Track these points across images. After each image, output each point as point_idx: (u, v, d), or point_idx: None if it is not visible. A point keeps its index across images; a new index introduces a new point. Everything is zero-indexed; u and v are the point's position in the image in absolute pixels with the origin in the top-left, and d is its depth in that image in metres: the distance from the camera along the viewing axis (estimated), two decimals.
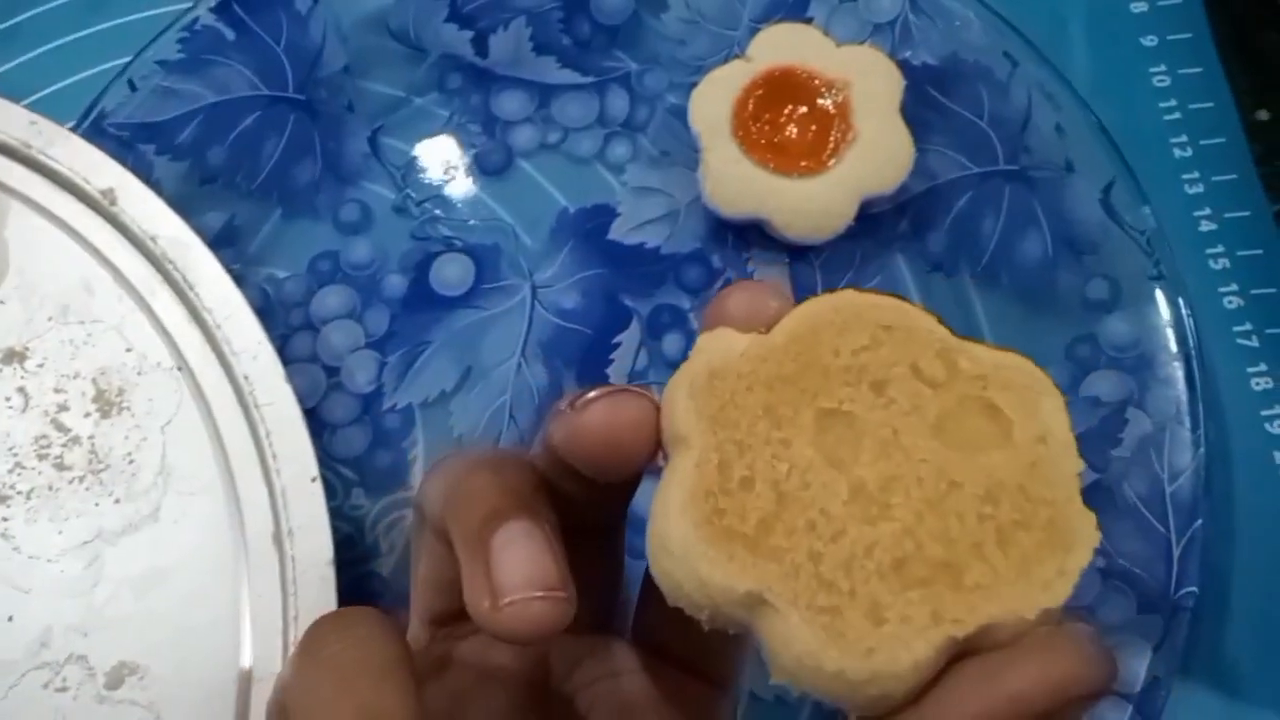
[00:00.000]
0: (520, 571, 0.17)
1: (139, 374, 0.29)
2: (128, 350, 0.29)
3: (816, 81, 0.33)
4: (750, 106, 0.33)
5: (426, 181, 0.35)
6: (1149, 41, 0.37)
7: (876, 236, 0.34)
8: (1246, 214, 0.34)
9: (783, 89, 0.33)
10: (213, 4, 0.35)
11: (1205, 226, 0.34)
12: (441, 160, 0.35)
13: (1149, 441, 0.30)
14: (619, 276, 0.34)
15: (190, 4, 0.35)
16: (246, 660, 0.26)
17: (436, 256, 0.34)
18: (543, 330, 0.33)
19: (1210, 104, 0.36)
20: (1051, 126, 0.33)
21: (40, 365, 0.29)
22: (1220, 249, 0.34)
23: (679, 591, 0.17)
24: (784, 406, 0.17)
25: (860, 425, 0.17)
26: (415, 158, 0.35)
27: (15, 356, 0.29)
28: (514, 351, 0.33)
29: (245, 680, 0.26)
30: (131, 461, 0.28)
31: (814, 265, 0.34)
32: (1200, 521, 0.29)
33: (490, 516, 0.18)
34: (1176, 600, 0.28)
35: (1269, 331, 0.33)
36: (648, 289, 0.34)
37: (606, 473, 0.18)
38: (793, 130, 0.33)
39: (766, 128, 0.33)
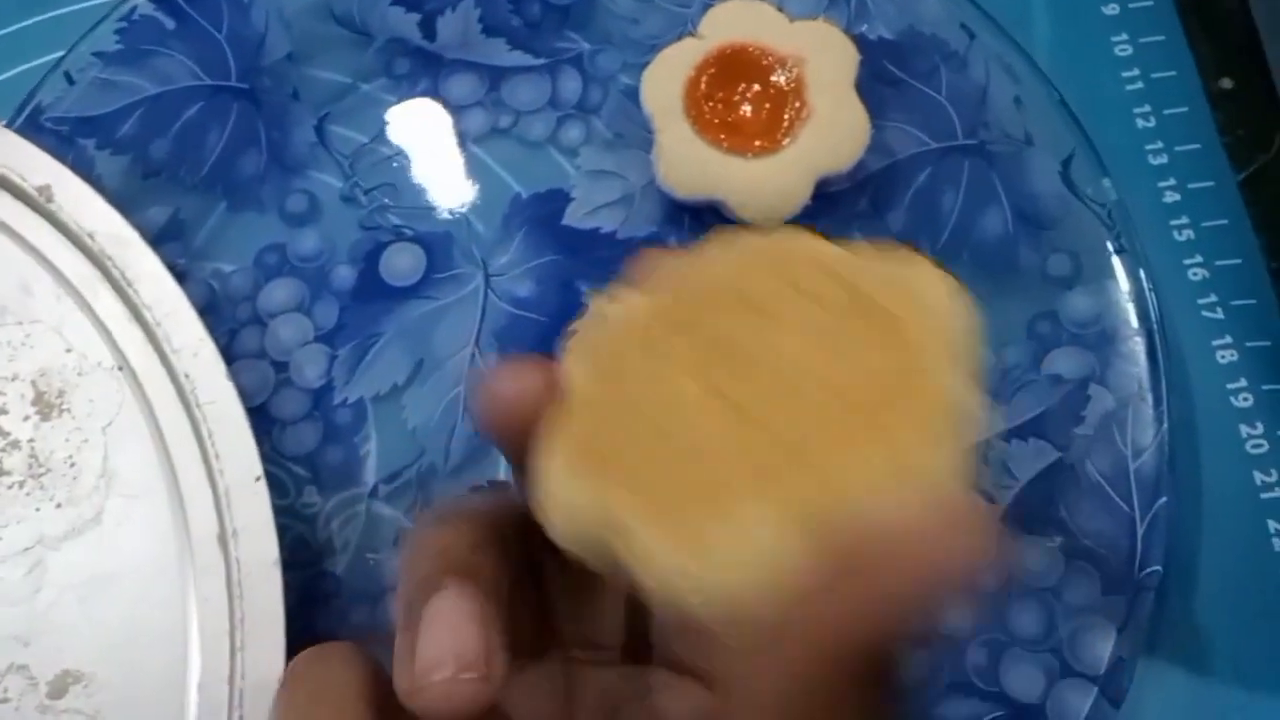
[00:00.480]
0: (439, 648, 0.17)
1: (79, 375, 0.28)
2: (68, 351, 0.28)
3: (770, 59, 0.32)
4: (703, 86, 0.32)
5: (375, 169, 0.34)
6: (1110, 10, 0.36)
7: (835, 215, 0.33)
8: (1211, 184, 0.34)
9: (735, 67, 0.32)
10: None
11: (1169, 198, 0.34)
12: (390, 147, 0.34)
13: (1112, 418, 0.29)
14: (574, 262, 0.33)
15: None
16: (194, 665, 0.26)
17: (386, 246, 0.33)
18: (496, 319, 0.33)
19: (1173, 73, 0.35)
20: (1010, 99, 0.32)
21: None
22: (1184, 220, 0.34)
23: (557, 531, 0.16)
24: (662, 343, 0.17)
25: (744, 350, 0.16)
26: (363, 145, 0.34)
27: None
28: (467, 342, 0.32)
29: (193, 686, 0.26)
30: (73, 464, 0.27)
31: None
32: (1165, 499, 0.28)
33: (421, 586, 0.17)
34: (1141, 579, 0.28)
35: (1234, 303, 0.32)
36: (603, 275, 0.33)
37: (517, 447, 0.18)
38: (746, 109, 0.32)
39: (720, 107, 0.32)
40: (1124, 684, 0.27)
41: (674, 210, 0.33)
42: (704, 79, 0.32)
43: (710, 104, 0.32)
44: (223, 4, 0.34)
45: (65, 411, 0.28)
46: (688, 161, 0.32)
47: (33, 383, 0.28)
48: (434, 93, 0.34)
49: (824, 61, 0.32)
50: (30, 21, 0.36)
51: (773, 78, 0.32)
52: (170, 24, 0.34)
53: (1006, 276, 0.32)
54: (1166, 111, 0.35)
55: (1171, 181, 0.34)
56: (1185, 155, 0.34)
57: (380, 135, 0.34)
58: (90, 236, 0.29)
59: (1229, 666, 0.29)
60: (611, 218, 0.33)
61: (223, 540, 0.26)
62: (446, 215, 0.34)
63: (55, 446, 0.28)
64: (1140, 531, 0.28)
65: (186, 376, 0.28)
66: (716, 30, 0.32)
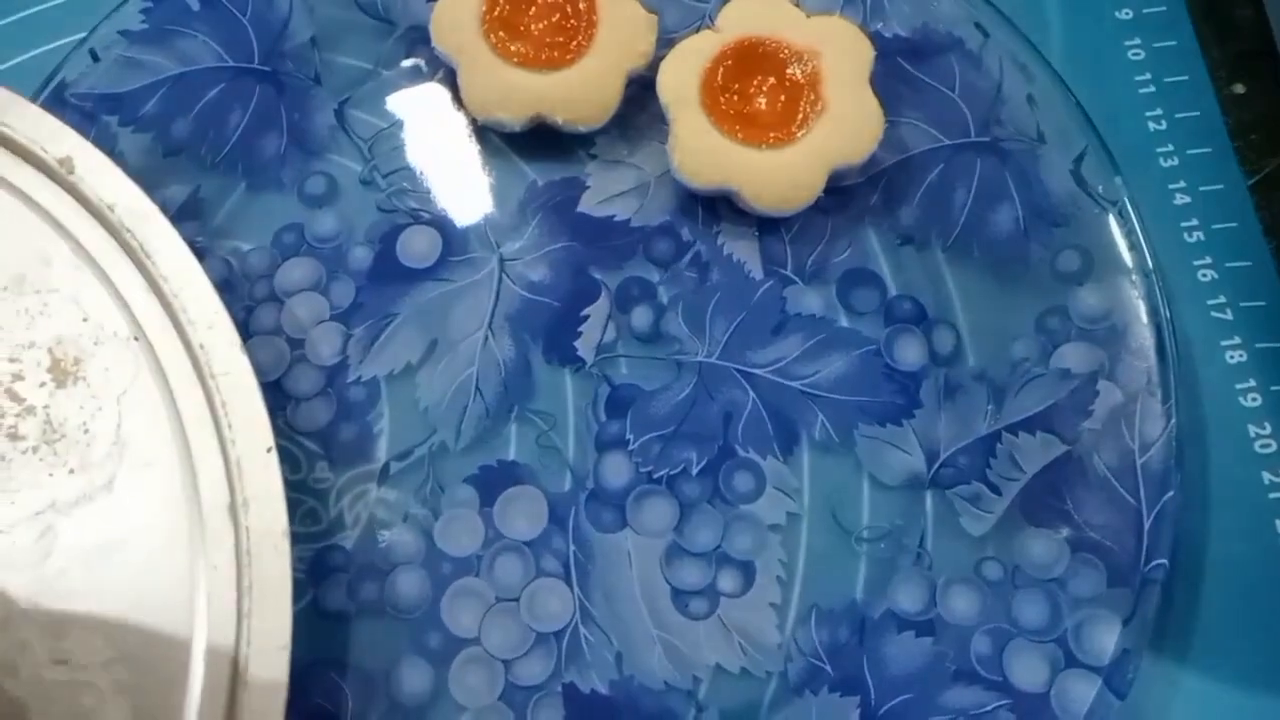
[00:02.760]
0: None
1: (95, 343, 0.28)
2: (84, 320, 0.28)
3: (786, 52, 0.32)
4: (719, 78, 0.32)
5: (393, 154, 0.34)
6: (1124, 15, 0.36)
7: (847, 210, 0.33)
8: (1221, 187, 0.34)
9: (752, 60, 0.32)
10: None
11: (1180, 200, 0.34)
12: (409, 133, 0.35)
13: (1120, 413, 0.29)
14: (588, 249, 0.33)
15: None
16: (201, 633, 0.26)
17: (403, 229, 0.34)
18: (510, 303, 0.33)
19: (1185, 77, 0.35)
20: (1023, 98, 0.32)
21: None
22: (1194, 222, 0.34)
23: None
24: None
25: None
26: (382, 130, 0.35)
27: None
28: (481, 324, 0.33)
29: (199, 651, 0.26)
30: (86, 431, 0.27)
31: (784, 238, 0.33)
32: (1171, 493, 0.28)
33: None
34: (1147, 573, 0.28)
35: (1243, 305, 0.33)
36: (616, 262, 0.33)
37: None
38: (762, 101, 0.32)
39: (735, 99, 0.32)
40: (1129, 676, 0.27)
41: (688, 200, 0.34)
42: (720, 71, 0.32)
43: (726, 96, 0.32)
44: None
45: (81, 379, 0.28)
46: (702, 152, 0.32)
47: (49, 350, 0.28)
48: (453, 80, 0.34)
49: (839, 56, 0.32)
50: (58, 1, 0.36)
51: (788, 71, 0.32)
52: (195, 5, 0.34)
53: (1017, 272, 0.32)
54: (1178, 115, 0.35)
55: (1182, 184, 0.34)
56: (1196, 158, 0.35)
57: (399, 121, 0.35)
58: (110, 209, 0.29)
59: (1234, 661, 0.29)
60: (626, 206, 0.34)
61: (233, 510, 0.26)
62: (463, 200, 0.34)
63: (70, 413, 0.28)
64: (1146, 525, 0.28)
65: (201, 348, 0.28)
66: (733, 24, 0.33)
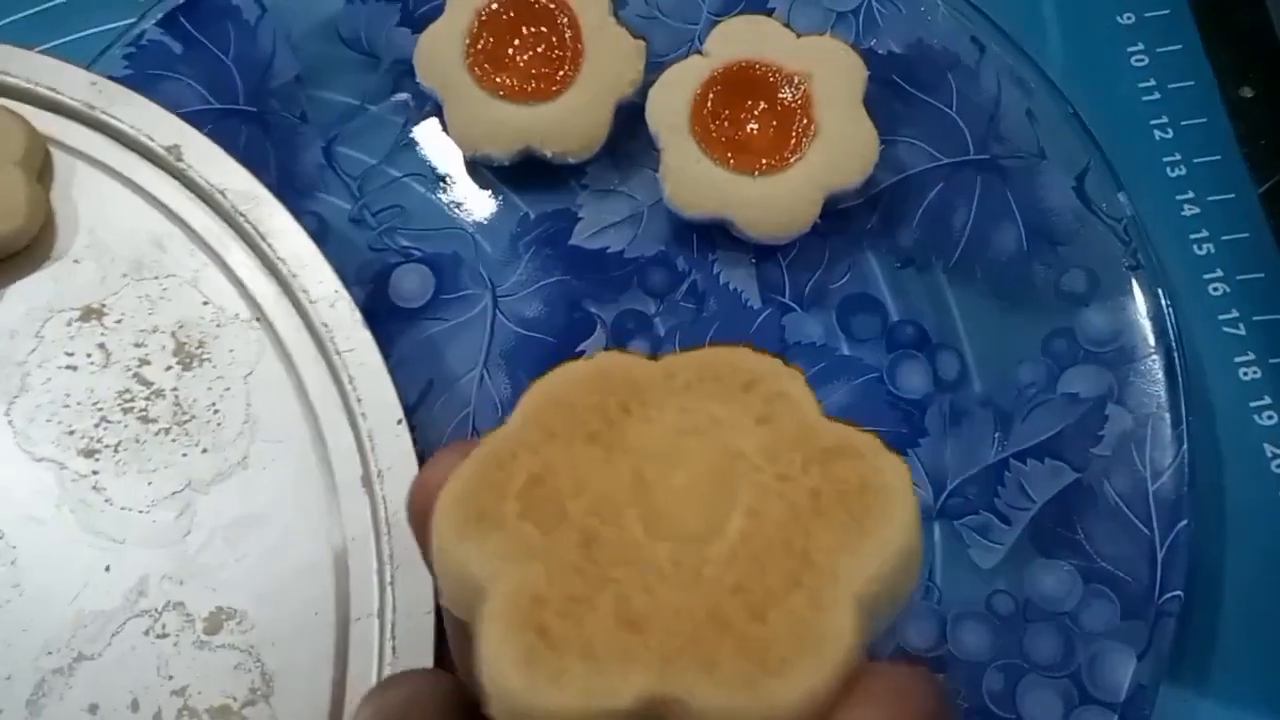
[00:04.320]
0: None
1: (218, 326, 0.29)
2: (204, 303, 0.29)
3: (776, 75, 0.31)
4: (709, 104, 0.32)
5: (383, 191, 0.34)
6: (1126, 19, 0.35)
7: (845, 233, 0.33)
8: (1231, 197, 0.33)
9: (742, 84, 0.32)
10: (158, 18, 0.34)
11: (1188, 211, 0.33)
12: (398, 169, 0.34)
13: (1130, 438, 0.29)
14: (582, 282, 0.33)
15: (134, 19, 0.34)
16: (343, 601, 0.26)
17: (395, 268, 0.33)
18: (505, 340, 0.32)
19: (1191, 82, 0.34)
20: (1022, 113, 0.32)
21: (119, 321, 0.29)
22: (1204, 234, 0.33)
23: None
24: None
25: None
26: (371, 167, 0.34)
27: (93, 314, 0.29)
28: (477, 363, 0.32)
29: (343, 621, 0.26)
30: (216, 411, 0.28)
31: (781, 265, 0.33)
32: (1185, 521, 0.28)
33: None
34: (1161, 605, 0.27)
35: (1256, 318, 0.32)
36: (611, 295, 0.33)
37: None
38: (753, 127, 0.32)
39: (726, 125, 0.32)
40: (1145, 712, 0.26)
41: (682, 229, 0.33)
42: (710, 96, 0.32)
43: (716, 122, 0.32)
44: (229, 27, 0.34)
45: (206, 361, 0.28)
46: (694, 180, 0.31)
47: (173, 334, 0.29)
48: (441, 114, 0.34)
49: (831, 77, 0.31)
50: (40, 48, 0.36)
51: (780, 94, 0.32)
52: (178, 48, 0.34)
53: (1021, 293, 0.31)
54: (1184, 122, 0.34)
55: (1190, 194, 0.33)
56: (1204, 167, 0.34)
57: (388, 157, 0.34)
58: (221, 193, 0.29)
59: (1254, 694, 0.28)
60: (619, 237, 0.33)
61: (367, 481, 0.27)
62: (454, 236, 0.33)
63: (198, 395, 0.28)
64: (1160, 555, 0.27)
65: (325, 325, 0.28)
66: (722, 47, 0.32)
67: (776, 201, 0.31)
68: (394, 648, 0.25)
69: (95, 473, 0.27)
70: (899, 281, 0.32)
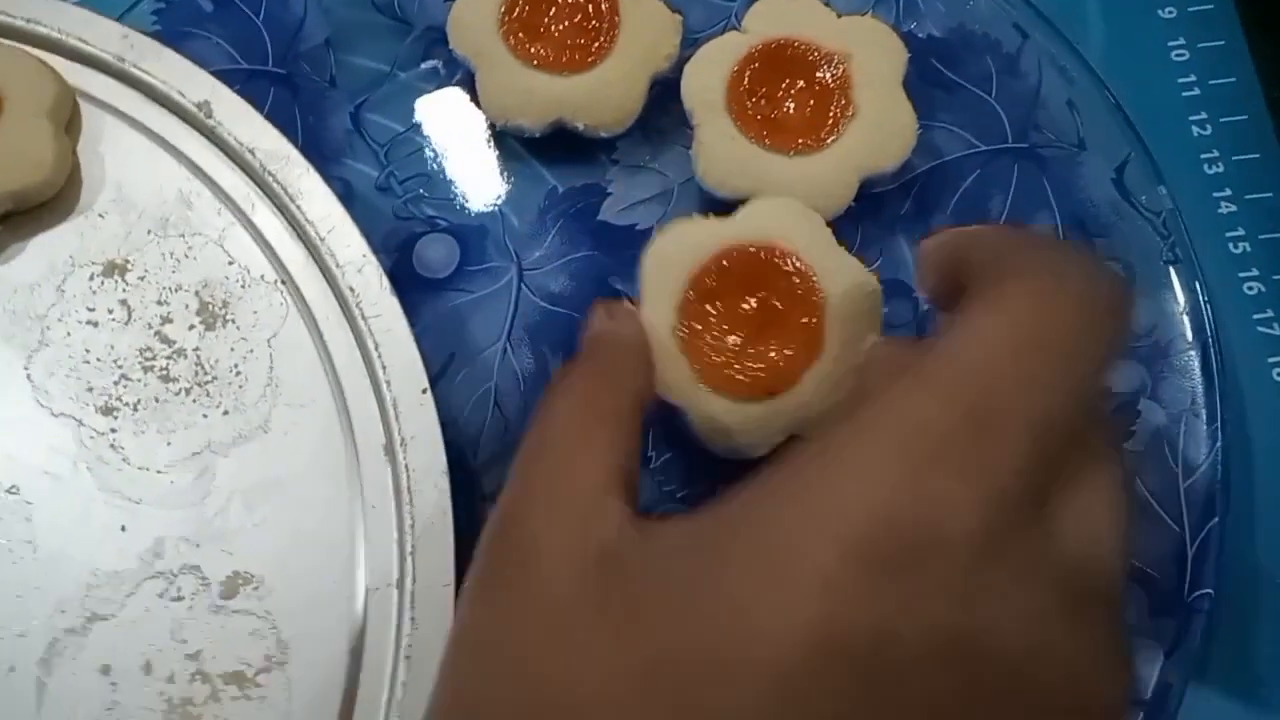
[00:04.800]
0: None
1: (243, 287, 0.28)
2: (229, 263, 0.29)
3: (815, 55, 0.31)
4: (746, 81, 0.31)
5: (410, 159, 0.34)
6: (1167, 14, 0.35)
7: (878, 218, 0.32)
8: (1269, 195, 0.33)
9: (780, 62, 0.31)
10: None
11: (1225, 209, 0.33)
12: (426, 137, 0.34)
13: (1163, 434, 0.28)
14: (609, 258, 0.32)
15: None
16: (361, 569, 0.26)
17: (420, 237, 0.33)
18: (530, 314, 0.32)
19: (1232, 79, 0.34)
20: (1063, 102, 0.31)
21: (141, 278, 0.28)
22: (1240, 232, 0.32)
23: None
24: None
25: None
26: (399, 134, 0.34)
27: (116, 269, 0.28)
28: (500, 336, 0.32)
29: (362, 590, 0.26)
30: (238, 373, 0.28)
31: None
32: (1217, 519, 0.27)
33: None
34: (1191, 603, 0.27)
35: None
36: (638, 271, 0.32)
37: None
38: (790, 106, 0.31)
39: (763, 103, 0.31)
40: (1172, 710, 0.26)
41: (712, 207, 0.32)
42: (747, 74, 0.31)
43: (753, 100, 0.31)
44: None
45: (230, 322, 0.28)
46: (728, 159, 0.31)
47: (196, 293, 0.28)
48: (472, 82, 0.33)
49: (871, 58, 0.31)
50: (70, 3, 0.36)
51: (818, 74, 0.31)
52: (208, 6, 0.34)
53: None
54: (1224, 119, 0.34)
55: (1228, 192, 0.33)
56: (1243, 165, 0.33)
57: (416, 125, 0.34)
58: (251, 152, 0.29)
59: None
60: (648, 214, 0.33)
61: (390, 450, 0.26)
62: (481, 207, 0.33)
63: (221, 355, 0.28)
64: (1190, 553, 0.27)
65: (352, 290, 0.28)
66: (761, 25, 0.32)
67: (811, 182, 0.30)
68: (413, 618, 0.25)
69: (114, 430, 0.27)
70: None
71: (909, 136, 0.30)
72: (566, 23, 0.32)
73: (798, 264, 0.27)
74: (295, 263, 0.28)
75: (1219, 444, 0.28)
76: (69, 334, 0.28)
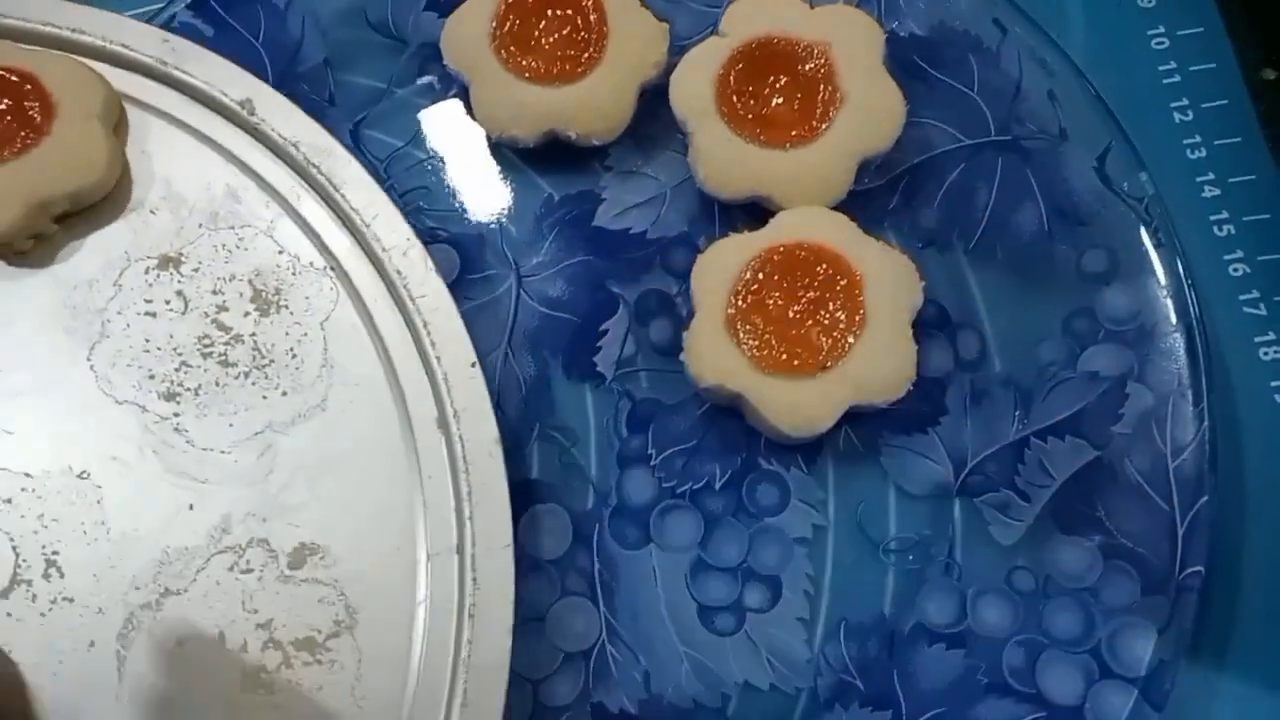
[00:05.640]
0: None
1: (293, 274, 0.30)
2: (279, 252, 0.30)
3: (795, 48, 0.32)
4: (732, 83, 0.32)
5: (409, 173, 0.34)
6: (1146, 2, 0.35)
7: (867, 212, 0.33)
8: (1252, 178, 0.33)
9: (762, 60, 0.32)
10: (189, 1, 0.34)
11: (1208, 192, 0.33)
12: (424, 151, 0.35)
13: (1151, 416, 0.29)
14: (605, 262, 0.33)
15: (164, 2, 0.34)
16: (422, 535, 0.27)
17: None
18: (529, 319, 0.33)
19: (1212, 65, 0.34)
20: (1044, 94, 0.32)
21: (196, 270, 0.29)
22: (1224, 215, 0.33)
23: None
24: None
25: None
26: (398, 149, 0.35)
27: (170, 262, 0.29)
28: (500, 342, 0.33)
29: (423, 556, 0.27)
30: (294, 356, 0.29)
31: None
32: (1206, 498, 0.28)
33: None
34: (1182, 580, 0.27)
35: (1277, 299, 0.32)
36: (634, 274, 0.33)
37: None
38: (778, 101, 0.32)
39: (752, 102, 0.32)
40: (1166, 687, 0.27)
41: (705, 208, 0.33)
42: (732, 76, 0.32)
43: (742, 100, 0.32)
44: (259, 11, 0.35)
45: (283, 308, 0.29)
46: (727, 161, 0.31)
47: (249, 282, 0.29)
48: (466, 96, 0.34)
49: (850, 44, 0.31)
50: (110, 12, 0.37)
51: (801, 67, 0.32)
52: (209, 31, 0.35)
53: (1042, 273, 0.31)
54: (1205, 105, 0.34)
55: (1210, 176, 0.33)
56: (1225, 149, 0.34)
57: (414, 139, 0.35)
58: (294, 146, 0.30)
59: (1276, 669, 0.28)
60: (642, 218, 0.34)
61: (443, 423, 0.28)
62: (479, 217, 0.34)
63: (276, 340, 0.29)
64: (1181, 531, 0.28)
65: (399, 273, 0.29)
66: (739, 26, 0.32)
67: (811, 173, 0.31)
68: (474, 579, 0.26)
69: (176, 415, 0.28)
70: (921, 260, 0.32)
71: (898, 115, 0.31)
72: (556, 35, 0.33)
73: (832, 251, 0.30)
74: (342, 249, 0.30)
75: (1206, 424, 0.28)
76: (128, 325, 0.29)
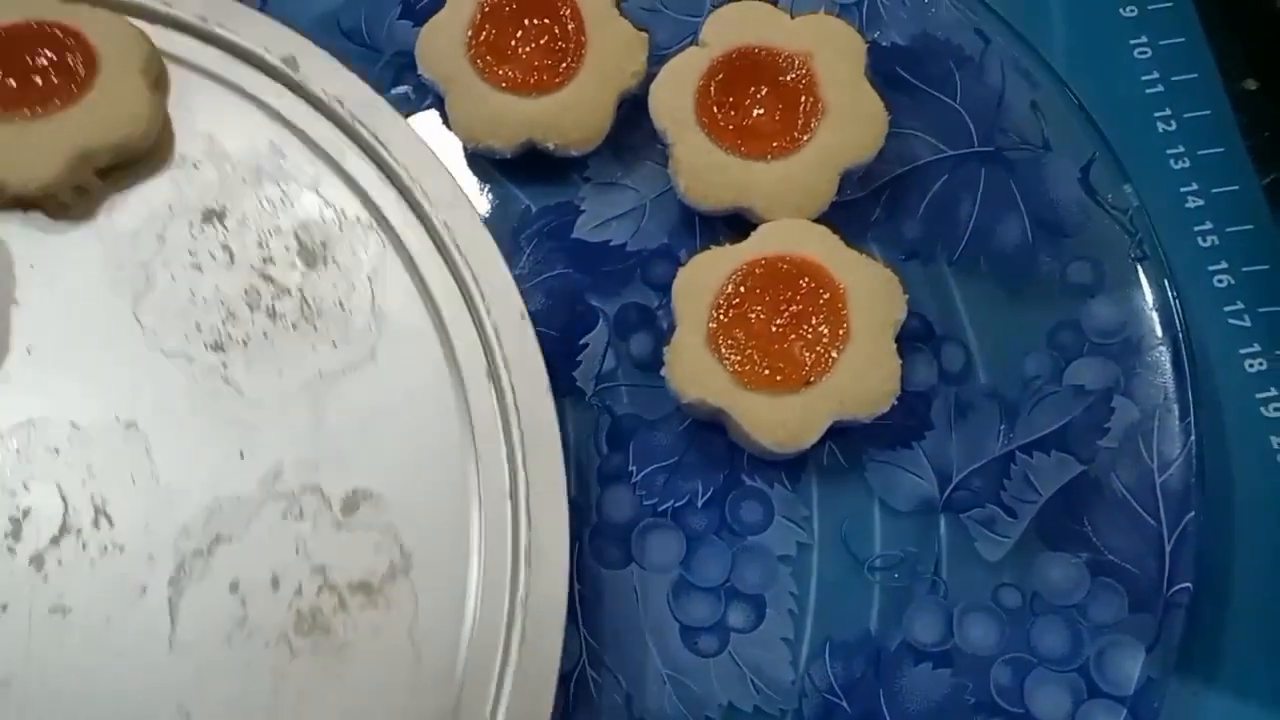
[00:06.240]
0: None
1: (339, 229, 0.30)
2: (325, 206, 0.30)
3: (776, 58, 0.31)
4: (713, 94, 0.31)
5: None
6: (1129, 12, 0.35)
7: (850, 224, 0.32)
8: (1235, 188, 0.33)
9: (743, 71, 0.31)
10: None
11: (1192, 203, 0.33)
12: None
13: (1137, 430, 0.29)
14: (584, 276, 0.33)
15: None
16: (475, 481, 0.27)
17: None
18: None
19: (1194, 75, 0.34)
20: (1027, 104, 0.32)
21: (241, 223, 0.30)
22: (1208, 225, 0.33)
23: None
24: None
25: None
26: None
27: (215, 216, 0.29)
28: None
29: (477, 501, 0.27)
30: (343, 308, 0.29)
31: None
32: (1193, 513, 0.27)
33: None
34: (1170, 597, 0.27)
35: (1261, 310, 0.32)
36: (614, 287, 0.32)
37: None
38: (759, 112, 0.32)
39: (732, 113, 0.31)
40: (1155, 705, 0.26)
41: (685, 220, 0.33)
42: (713, 87, 0.31)
43: (723, 111, 0.31)
44: None
45: (331, 261, 0.29)
46: (708, 173, 0.31)
47: (295, 235, 0.29)
48: (442, 106, 0.34)
49: (831, 54, 0.31)
50: None
51: (781, 77, 0.31)
52: None
53: (1026, 285, 0.31)
54: (1188, 115, 0.34)
55: (1194, 186, 0.33)
56: (1208, 159, 0.33)
57: None
58: (339, 102, 0.30)
59: (1265, 686, 0.28)
60: (622, 230, 0.33)
61: (494, 374, 0.28)
62: None
63: (324, 292, 0.29)
64: (1168, 548, 0.27)
65: (445, 226, 0.29)
66: (719, 36, 0.32)
67: (793, 184, 0.31)
68: (529, 522, 0.26)
69: (225, 365, 0.28)
70: (904, 273, 0.32)
71: (880, 125, 0.31)
72: (534, 44, 0.32)
73: (814, 264, 0.29)
74: (388, 204, 0.30)
75: (1192, 438, 0.28)
76: (173, 278, 0.29)
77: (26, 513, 0.27)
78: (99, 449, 0.27)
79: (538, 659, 0.25)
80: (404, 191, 0.29)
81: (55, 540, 0.26)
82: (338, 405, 0.28)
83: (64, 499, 0.27)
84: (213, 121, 0.30)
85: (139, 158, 0.30)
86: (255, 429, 0.27)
